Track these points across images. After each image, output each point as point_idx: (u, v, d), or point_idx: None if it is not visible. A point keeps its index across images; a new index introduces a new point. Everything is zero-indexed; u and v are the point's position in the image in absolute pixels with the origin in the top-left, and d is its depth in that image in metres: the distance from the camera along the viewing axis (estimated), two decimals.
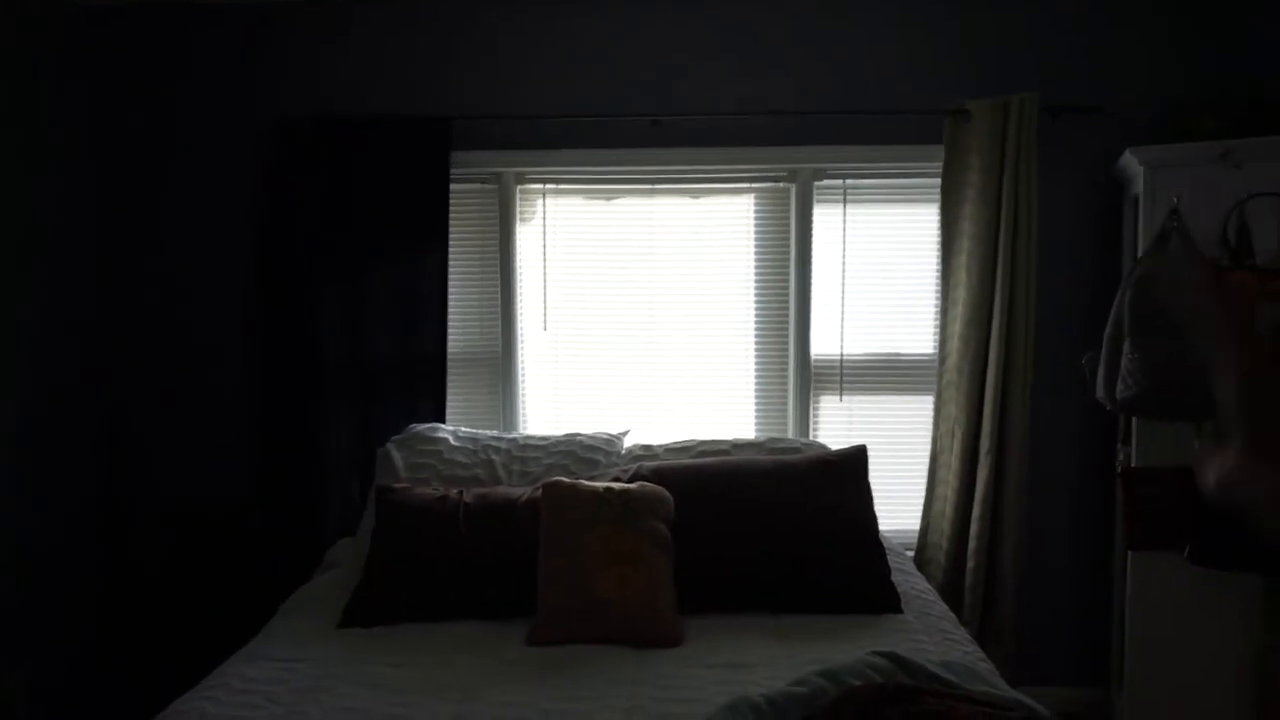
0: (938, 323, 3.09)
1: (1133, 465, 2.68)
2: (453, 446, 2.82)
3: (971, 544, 2.95)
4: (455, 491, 2.51)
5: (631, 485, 2.39)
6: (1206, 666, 2.60)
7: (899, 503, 3.14)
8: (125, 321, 3.20)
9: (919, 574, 2.70)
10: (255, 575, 3.00)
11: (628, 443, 2.92)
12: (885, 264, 3.18)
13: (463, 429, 2.98)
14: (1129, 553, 2.70)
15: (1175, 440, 2.57)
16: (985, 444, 2.92)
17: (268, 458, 3.13)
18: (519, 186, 3.21)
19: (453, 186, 3.10)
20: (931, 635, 2.17)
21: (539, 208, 3.22)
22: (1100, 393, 2.55)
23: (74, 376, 3.05)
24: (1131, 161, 2.70)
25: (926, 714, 1.45)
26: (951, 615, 2.37)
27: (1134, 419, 2.70)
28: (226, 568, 3.05)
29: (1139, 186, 2.68)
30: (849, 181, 3.15)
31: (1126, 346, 2.42)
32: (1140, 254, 2.58)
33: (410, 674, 1.97)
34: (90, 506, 3.12)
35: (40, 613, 2.89)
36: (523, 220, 3.23)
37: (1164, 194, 2.54)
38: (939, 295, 3.07)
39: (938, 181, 3.00)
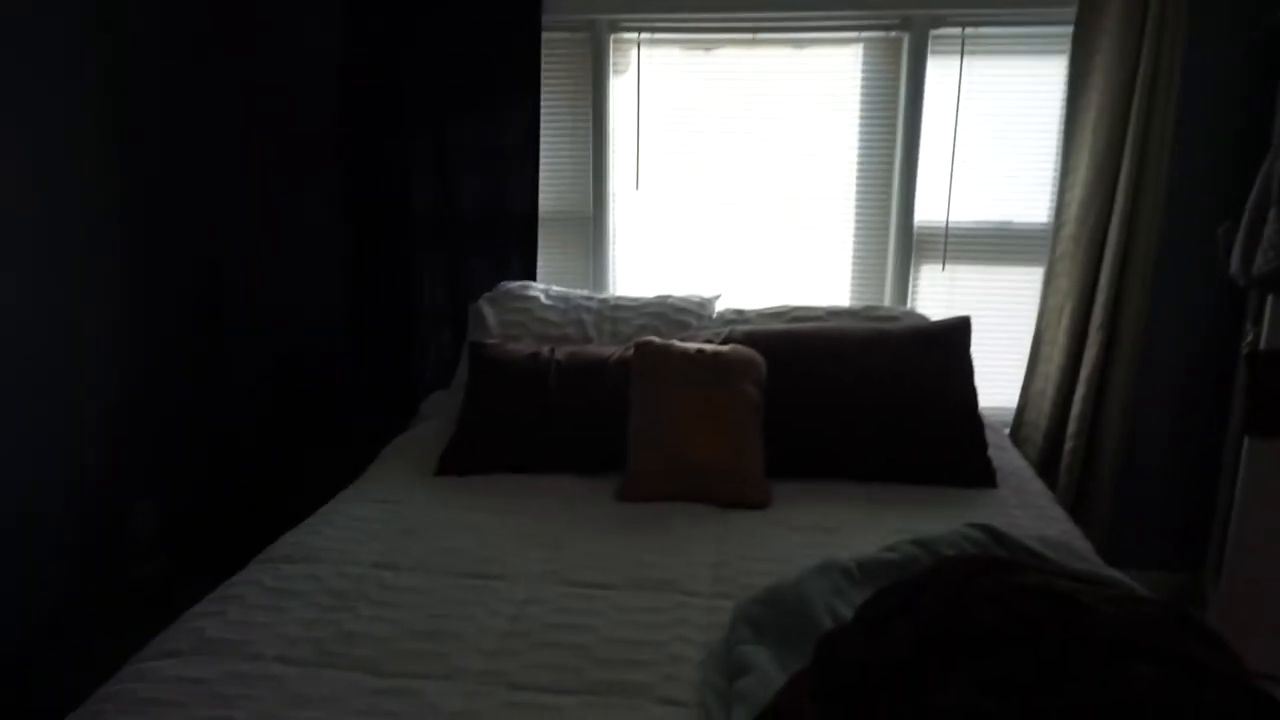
0: (1055, 189, 2.88)
1: (1261, 347, 2.51)
2: (544, 305, 2.82)
3: (1071, 425, 2.84)
4: (547, 349, 2.52)
5: (723, 347, 2.36)
6: None
7: (999, 379, 3.03)
8: (218, 179, 3.24)
9: (1015, 450, 2.62)
10: (355, 424, 3.12)
11: (719, 306, 2.87)
12: (1002, 123, 2.95)
13: (554, 288, 2.97)
14: (1245, 439, 2.56)
15: None
16: (1097, 320, 2.76)
17: (361, 311, 3.19)
18: (613, 35, 3.05)
19: (544, 35, 2.97)
20: (1027, 511, 2.12)
21: (633, 59, 3.08)
22: (1235, 267, 2.37)
23: (174, 235, 3.13)
24: None
25: (1024, 586, 1.41)
26: (1048, 493, 2.31)
27: (1269, 297, 2.50)
28: (327, 416, 3.18)
29: None
30: (968, 30, 2.89)
31: (1273, 215, 2.21)
32: None
33: (503, 521, 2.03)
34: (198, 358, 3.26)
35: (160, 451, 3.09)
36: (616, 72, 3.09)
37: None
38: (1059, 158, 2.85)
39: (1068, 30, 2.73)
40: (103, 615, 2.79)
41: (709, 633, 1.56)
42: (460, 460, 2.34)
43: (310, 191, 3.23)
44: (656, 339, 2.39)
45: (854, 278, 3.12)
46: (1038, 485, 2.34)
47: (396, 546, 1.89)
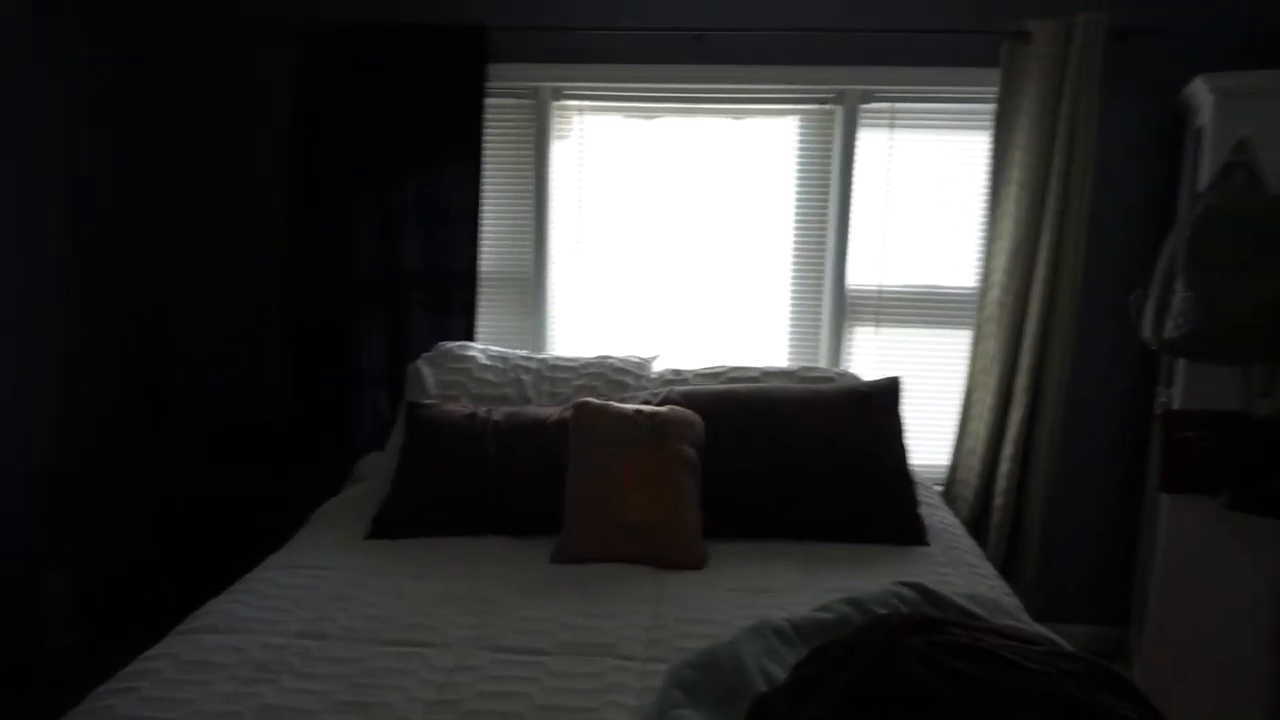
0: (981, 255, 3.00)
1: (1174, 408, 2.62)
2: (482, 365, 2.81)
3: (1000, 483, 2.91)
4: (484, 409, 2.51)
5: (661, 408, 2.38)
6: (1229, 611, 2.58)
7: (930, 438, 3.11)
8: (158, 235, 3.20)
9: (946, 508, 2.68)
10: (286, 486, 3.04)
11: (658, 367, 2.89)
12: (931, 192, 3.08)
13: (492, 348, 2.97)
14: (1161, 495, 2.65)
15: (1219, 384, 2.51)
16: (1022, 381, 2.86)
17: (299, 371, 3.15)
18: (556, 103, 3.12)
19: (488, 101, 3.03)
20: (957, 569, 2.15)
21: (576, 125, 3.14)
22: (1147, 332, 2.48)
23: (109, 290, 3.06)
24: (1200, 89, 2.56)
25: (952, 644, 1.43)
26: (978, 549, 2.36)
27: (1179, 361, 2.62)
28: (258, 478, 3.10)
29: (1205, 117, 2.55)
30: (897, 105, 3.03)
31: (1179, 285, 2.33)
32: (1201, 189, 2.47)
33: (435, 586, 1.99)
34: (126, 416, 3.17)
35: (79, 518, 2.97)
36: (559, 137, 3.15)
37: (1233, 125, 2.41)
38: (985, 227, 2.98)
39: (990, 107, 2.88)
40: (17, 691, 2.64)
41: (643, 697, 1.54)
42: (393, 523, 2.30)
43: (253, 250, 3.19)
44: (594, 399, 2.40)
45: (791, 339, 3.18)
46: (968, 542, 2.39)
47: (324, 614, 1.84)
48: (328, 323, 3.11)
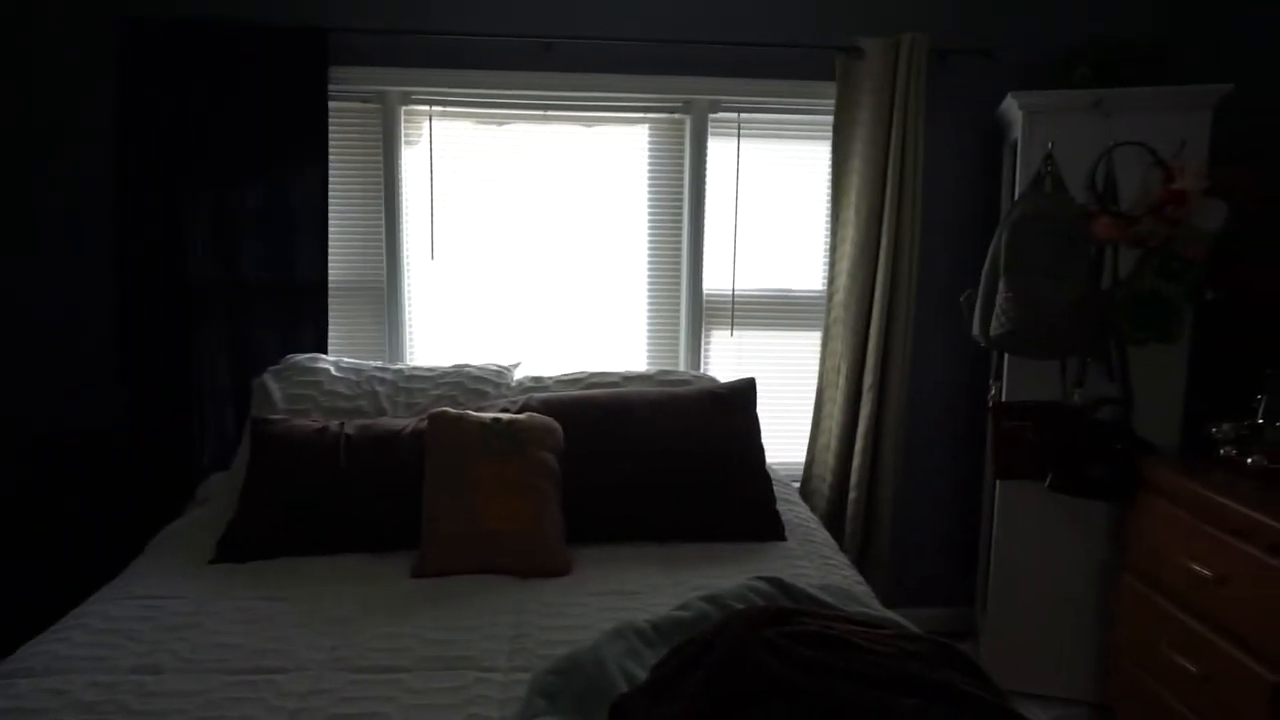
0: (826, 260, 3.14)
1: (1002, 400, 2.82)
2: (334, 377, 2.71)
3: (853, 477, 3.05)
4: (336, 423, 2.42)
5: (520, 415, 2.36)
6: (1060, 584, 2.80)
7: (786, 436, 3.23)
8: None
9: (803, 504, 2.78)
10: (121, 511, 2.83)
11: (518, 375, 2.87)
12: (778, 200, 3.20)
13: (345, 359, 2.87)
14: (996, 481, 2.85)
15: (1041, 377, 2.73)
16: (869, 379, 3.01)
17: (134, 387, 2.93)
18: (404, 107, 3.05)
19: (333, 104, 2.93)
20: (813, 561, 2.24)
21: (425, 130, 3.08)
22: (976, 330, 2.67)
23: None
24: (1012, 106, 2.77)
25: (803, 634, 1.49)
26: (833, 542, 2.46)
27: (1005, 356, 2.82)
28: (90, 503, 2.87)
29: (1018, 131, 2.76)
30: (743, 115, 3.13)
31: (1001, 285, 2.52)
32: (1017, 196, 2.67)
33: (287, 608, 1.90)
34: None
35: None
36: (408, 143, 3.08)
37: (1040, 139, 2.63)
38: (829, 232, 3.12)
39: (830, 119, 3.02)
40: None
41: (506, 708, 1.52)
42: (240, 545, 2.18)
43: (76, 255, 2.95)
44: (451, 409, 2.36)
45: (649, 343, 3.23)
46: (822, 535, 2.49)
47: (161, 646, 1.72)
48: (165, 335, 2.91)
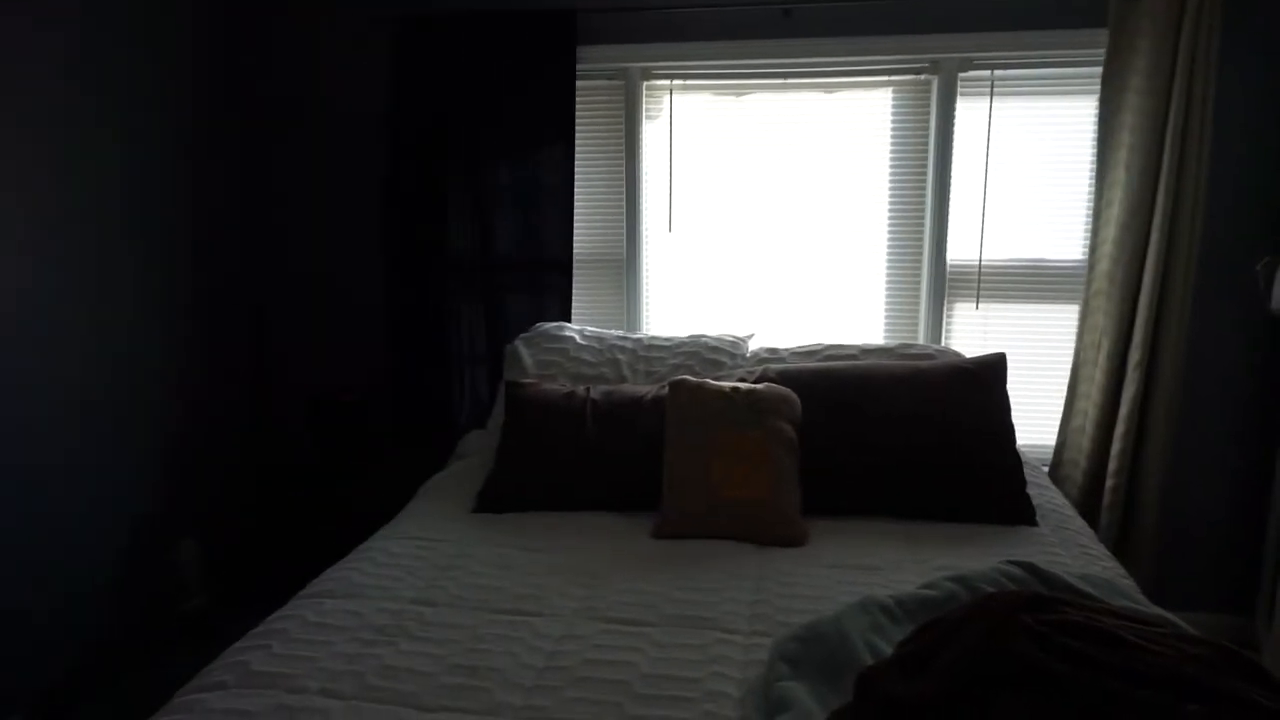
0: (1089, 227, 2.88)
1: None
2: (579, 345, 2.85)
3: (1112, 463, 2.80)
4: (582, 388, 2.55)
5: (758, 386, 2.37)
6: None
7: (1035, 417, 3.02)
8: (267, 229, 3.36)
9: (1054, 488, 2.59)
10: (394, 463, 3.16)
11: (753, 345, 2.89)
12: (1033, 163, 2.97)
13: (588, 328, 3.01)
14: None
15: None
16: (1135, 357, 2.74)
17: (400, 353, 3.25)
18: (645, 83, 3.13)
19: (579, 83, 3.06)
20: (1068, 549, 2.09)
21: (666, 105, 3.15)
22: (1276, 302, 2.35)
23: (226, 282, 3.23)
24: None
25: (1066, 623, 1.40)
26: (1089, 531, 2.28)
27: None
28: (367, 456, 3.23)
29: None
30: (996, 72, 2.93)
31: None
32: None
33: (540, 558, 2.04)
34: (246, 399, 3.34)
35: (205, 488, 3.15)
36: (649, 118, 3.16)
37: None
38: (1092, 197, 2.86)
39: (1098, 70, 2.76)
40: (149, 650, 2.83)
41: (747, 670, 1.56)
42: (497, 498, 2.37)
43: (352, 237, 3.32)
44: (691, 378, 2.41)
45: (887, 316, 3.13)
46: (1079, 523, 2.31)
47: (435, 583, 1.91)
48: (427, 305, 3.21)
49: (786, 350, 2.79)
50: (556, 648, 1.65)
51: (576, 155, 3.10)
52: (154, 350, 2.91)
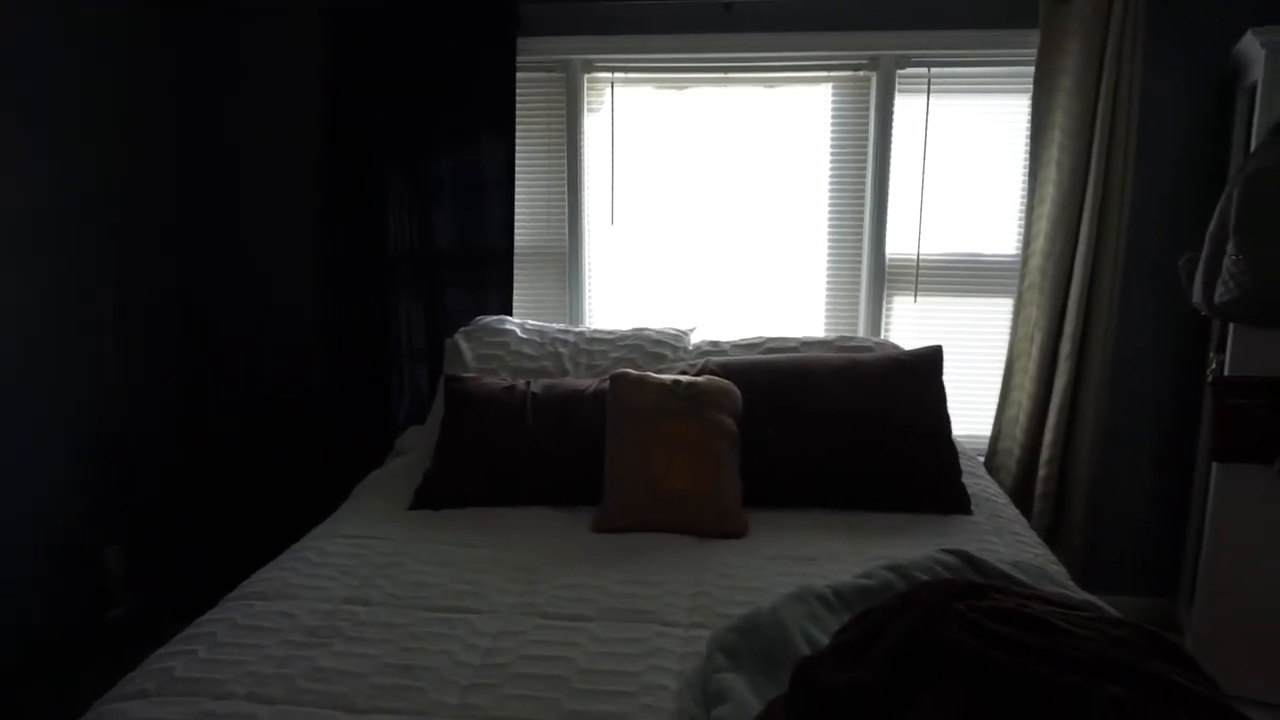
0: (1022, 222, 2.95)
1: (1225, 374, 2.56)
2: (520, 338, 2.83)
3: (1045, 452, 2.87)
4: (523, 382, 2.53)
5: (699, 378, 2.37)
6: None
7: (971, 408, 3.08)
8: (204, 225, 3.25)
9: (989, 478, 2.64)
10: (331, 460, 3.09)
11: (695, 338, 2.89)
12: (969, 159, 3.02)
13: (530, 321, 2.98)
14: (1213, 464, 2.60)
15: (1273, 349, 2.45)
16: (1066, 348, 2.81)
17: (338, 350, 3.18)
18: (587, 75, 3.11)
19: (519, 75, 3.02)
20: (1002, 537, 2.13)
21: (607, 98, 3.13)
22: (1197, 296, 2.43)
23: (160, 278, 3.12)
24: (1253, 44, 2.47)
25: (997, 610, 1.42)
26: (1022, 519, 2.33)
27: (1230, 326, 2.55)
28: (303, 453, 3.15)
29: (1258, 72, 2.47)
30: (934, 70, 2.97)
31: (1230, 247, 2.27)
32: (1253, 148, 2.40)
33: (479, 554, 2.02)
34: (177, 399, 3.24)
35: (134, 491, 3.04)
36: (591, 111, 3.14)
37: None
38: (1025, 193, 2.92)
39: (1030, 70, 2.81)
40: (76, 659, 2.73)
41: (686, 662, 1.55)
42: (435, 494, 2.33)
43: (290, 232, 3.24)
44: (632, 371, 2.40)
45: (828, 309, 3.16)
46: (1012, 511, 2.36)
47: (370, 582, 1.87)
48: (365, 301, 3.14)
49: (728, 343, 2.80)
50: (494, 644, 1.62)
51: (518, 148, 3.06)
52: (81, 353, 2.80)
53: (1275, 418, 2.41)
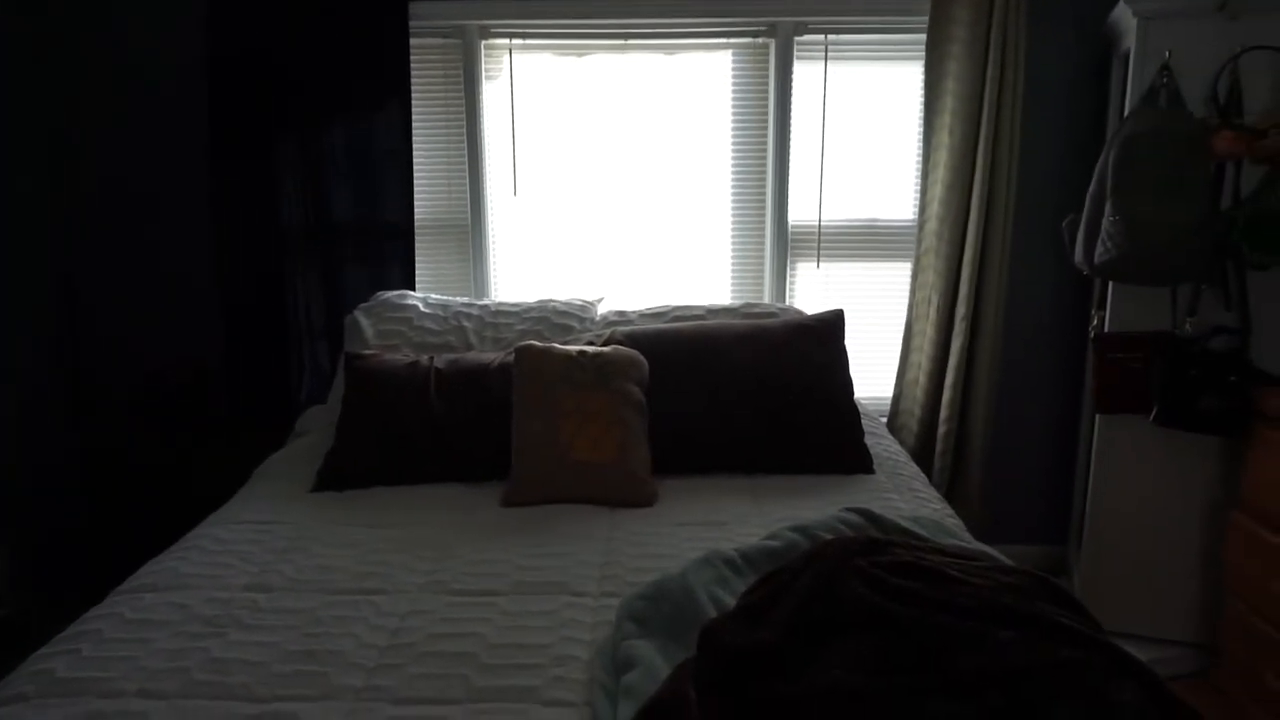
0: (918, 188, 3.02)
1: (1105, 330, 2.69)
2: (422, 313, 2.76)
3: (943, 411, 2.98)
4: (426, 357, 2.47)
5: (605, 349, 2.36)
6: (1162, 525, 2.68)
7: (874, 370, 3.16)
8: (75, 192, 3.05)
9: (891, 437, 2.72)
10: (228, 442, 2.97)
11: (602, 309, 2.87)
12: (867, 126, 3.07)
13: (432, 296, 2.91)
14: (1097, 415, 2.74)
15: (1149, 305, 2.58)
16: (961, 311, 2.91)
17: (234, 326, 3.06)
18: (484, 41, 3.03)
19: (415, 41, 2.93)
20: (902, 494, 2.20)
21: (505, 65, 3.06)
22: (1079, 257, 2.54)
23: (33, 253, 2.92)
24: (1125, 13, 2.58)
25: (895, 563, 1.47)
26: (922, 476, 2.41)
27: (1109, 284, 2.68)
28: (199, 435, 3.02)
29: (1130, 41, 2.57)
30: (831, 37, 3.00)
31: (1108, 209, 2.38)
32: (1127, 113, 2.51)
33: (385, 534, 1.97)
34: (60, 383, 3.05)
35: (17, 484, 2.87)
36: (489, 79, 3.07)
37: (1156, 48, 2.45)
38: (921, 159, 2.99)
39: (923, 38, 2.87)
40: None
41: (597, 631, 1.55)
42: (338, 475, 2.27)
43: (175, 203, 3.07)
44: (537, 343, 2.38)
45: (733, 277, 3.19)
46: (912, 469, 2.44)
47: (270, 567, 1.81)
48: (260, 277, 3.02)
49: (635, 313, 2.80)
50: (401, 625, 1.59)
51: (415, 117, 2.97)
52: None
53: (1151, 370, 2.54)
